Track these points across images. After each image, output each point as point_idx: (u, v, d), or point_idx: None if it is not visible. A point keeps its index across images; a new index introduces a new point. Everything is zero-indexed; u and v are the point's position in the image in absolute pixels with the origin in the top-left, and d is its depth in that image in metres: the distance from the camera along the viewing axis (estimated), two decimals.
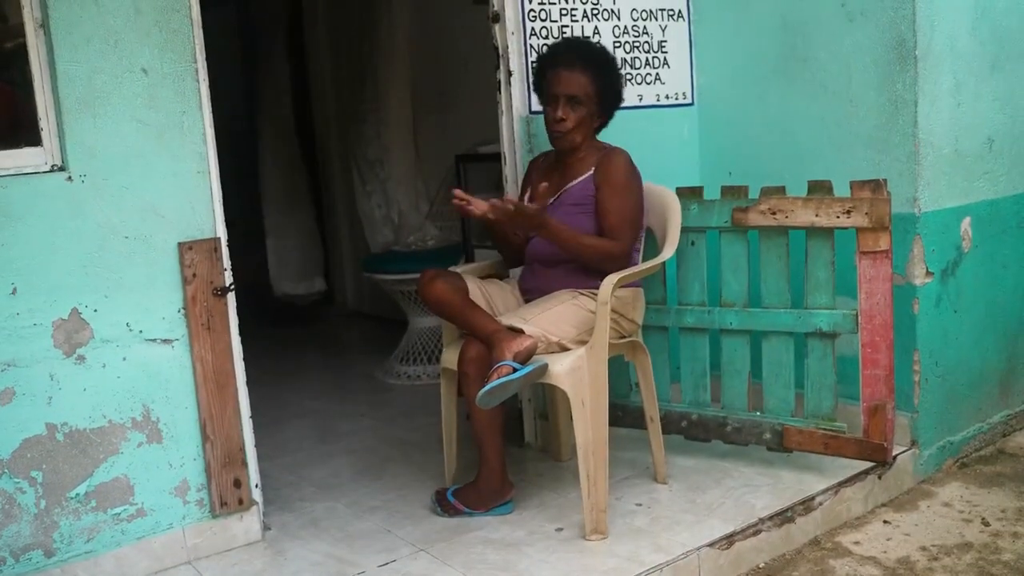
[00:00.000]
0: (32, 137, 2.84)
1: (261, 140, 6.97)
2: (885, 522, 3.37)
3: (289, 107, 6.88)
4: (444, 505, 3.33)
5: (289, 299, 6.96)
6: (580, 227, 3.28)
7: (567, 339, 3.12)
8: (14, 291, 2.77)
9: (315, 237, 7.06)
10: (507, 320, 3.11)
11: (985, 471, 3.75)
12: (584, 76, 3.28)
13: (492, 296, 3.38)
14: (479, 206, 3.11)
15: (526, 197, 3.46)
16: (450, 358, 3.32)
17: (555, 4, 3.78)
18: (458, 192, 3.18)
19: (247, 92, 7.65)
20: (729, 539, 3.07)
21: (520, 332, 3.02)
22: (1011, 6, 3.80)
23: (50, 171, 2.84)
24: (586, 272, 3.25)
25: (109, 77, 2.88)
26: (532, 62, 3.66)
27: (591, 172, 3.33)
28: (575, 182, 3.36)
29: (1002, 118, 3.84)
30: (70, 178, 2.85)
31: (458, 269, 3.53)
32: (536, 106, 3.67)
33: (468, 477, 3.38)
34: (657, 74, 4.09)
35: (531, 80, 3.60)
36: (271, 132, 6.91)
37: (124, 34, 2.89)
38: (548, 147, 3.58)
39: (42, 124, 2.84)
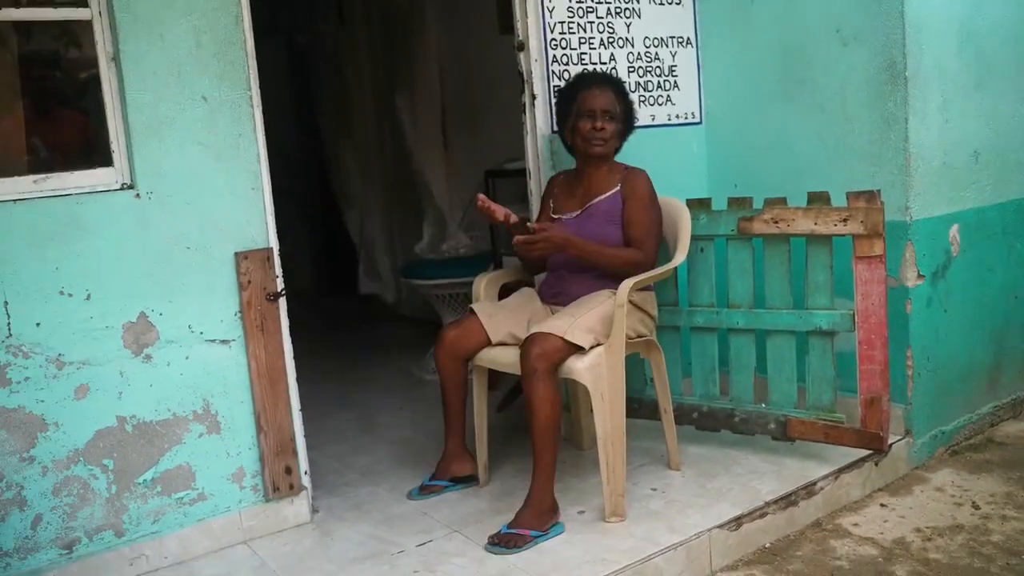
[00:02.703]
0: (104, 159, 2.90)
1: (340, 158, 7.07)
2: (882, 505, 3.37)
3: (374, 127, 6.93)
4: (504, 539, 2.96)
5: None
6: (611, 237, 3.30)
7: (605, 335, 3.12)
8: (88, 297, 2.82)
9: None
10: (553, 322, 3.10)
11: (975, 458, 3.74)
12: (614, 95, 3.37)
13: (518, 314, 3.37)
14: (499, 211, 3.16)
15: (548, 209, 3.50)
16: (482, 356, 3.34)
17: (574, 33, 3.80)
18: (481, 196, 3.20)
19: (296, 115, 7.73)
20: (737, 521, 3.07)
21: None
22: (994, 29, 3.79)
23: (120, 189, 2.89)
24: (613, 276, 3.26)
25: (173, 104, 2.93)
26: (554, 87, 3.69)
27: (618, 188, 3.35)
28: (602, 196, 3.37)
29: (987, 132, 3.83)
30: (138, 195, 2.90)
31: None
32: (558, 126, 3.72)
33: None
34: (668, 96, 4.11)
35: (555, 104, 3.61)
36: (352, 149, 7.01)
37: (186, 65, 2.94)
38: (567, 165, 3.61)
39: (113, 147, 2.90)
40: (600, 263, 3.26)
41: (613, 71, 3.89)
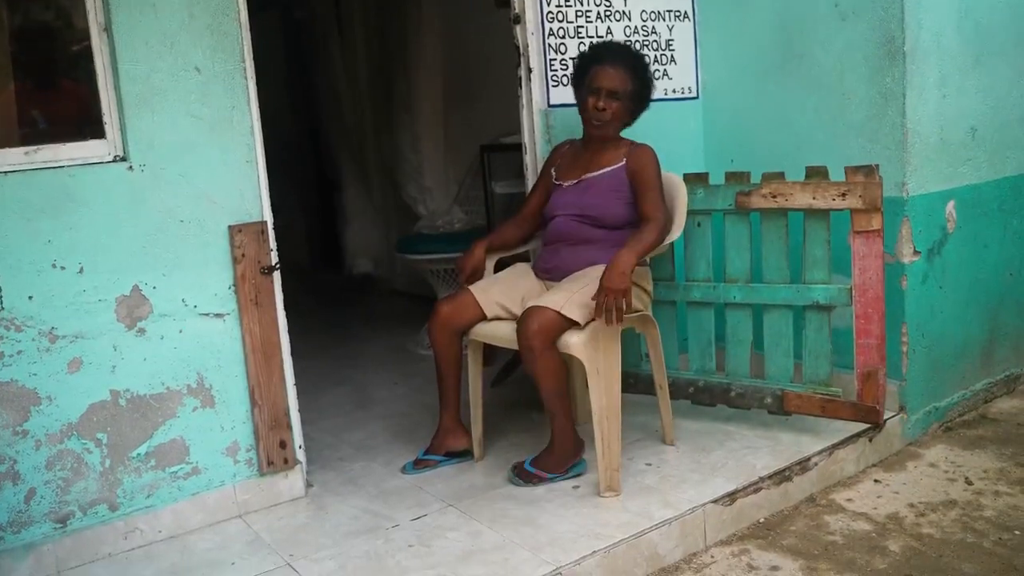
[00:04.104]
0: (96, 130, 2.86)
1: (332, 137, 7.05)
2: (875, 481, 3.36)
3: (353, 107, 6.89)
4: (525, 476, 3.22)
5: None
6: (611, 208, 3.28)
7: None
8: (81, 270, 2.79)
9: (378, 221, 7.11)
10: (549, 296, 3.08)
11: (968, 434, 3.73)
12: (625, 75, 3.30)
13: (513, 289, 3.35)
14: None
15: (550, 176, 3.48)
16: (477, 331, 3.32)
17: (571, 6, 3.75)
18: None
19: (291, 88, 7.67)
20: (732, 496, 3.06)
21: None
22: (994, 4, 3.74)
23: (113, 161, 2.85)
24: (608, 250, 3.21)
25: (166, 76, 2.89)
26: (550, 60, 3.65)
27: (623, 163, 3.31)
28: (606, 169, 3.33)
29: (984, 109, 3.79)
30: (131, 167, 2.86)
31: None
32: (555, 100, 3.68)
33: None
34: (665, 70, 4.06)
35: (571, 73, 3.52)
36: (340, 128, 6.97)
37: (179, 36, 2.89)
38: (565, 137, 3.59)
39: (106, 119, 2.86)
40: (644, 254, 3.14)
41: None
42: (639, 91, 3.35)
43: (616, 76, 3.28)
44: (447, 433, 3.43)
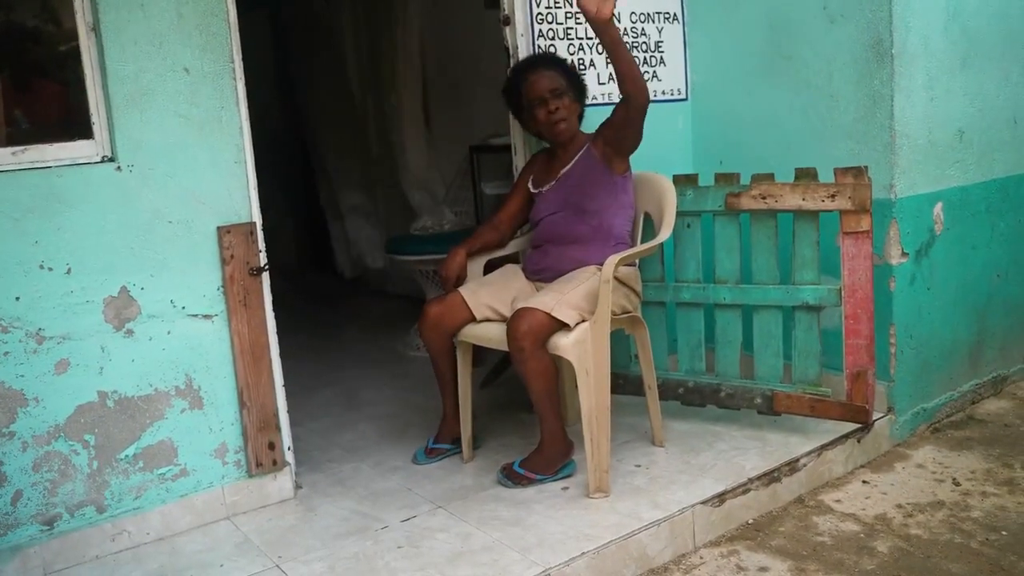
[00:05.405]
0: (84, 131, 2.84)
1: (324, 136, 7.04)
2: (864, 482, 3.36)
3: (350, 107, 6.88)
4: (514, 477, 3.21)
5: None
6: (592, 190, 3.29)
7: (590, 311, 3.09)
8: (68, 271, 2.77)
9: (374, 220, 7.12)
10: (540, 298, 3.08)
11: (956, 435, 3.74)
12: (552, 71, 3.34)
13: (503, 291, 3.35)
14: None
15: (529, 182, 3.50)
16: (466, 332, 3.31)
17: (560, 8, 3.75)
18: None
19: (280, 89, 7.65)
20: (721, 497, 3.06)
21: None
22: (980, 7, 3.76)
23: (101, 162, 2.84)
24: (596, 248, 3.24)
25: (154, 76, 2.87)
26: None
27: (586, 147, 3.34)
28: (572, 162, 3.36)
29: (972, 111, 3.81)
30: (119, 168, 2.84)
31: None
32: None
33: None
34: (654, 72, 4.06)
35: (506, 104, 3.54)
36: (338, 127, 6.97)
37: (168, 36, 2.88)
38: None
39: (93, 119, 2.84)
40: (625, 55, 3.14)
41: (597, 47, 3.84)
42: (572, 80, 3.36)
43: (547, 76, 3.32)
44: (452, 420, 3.48)
